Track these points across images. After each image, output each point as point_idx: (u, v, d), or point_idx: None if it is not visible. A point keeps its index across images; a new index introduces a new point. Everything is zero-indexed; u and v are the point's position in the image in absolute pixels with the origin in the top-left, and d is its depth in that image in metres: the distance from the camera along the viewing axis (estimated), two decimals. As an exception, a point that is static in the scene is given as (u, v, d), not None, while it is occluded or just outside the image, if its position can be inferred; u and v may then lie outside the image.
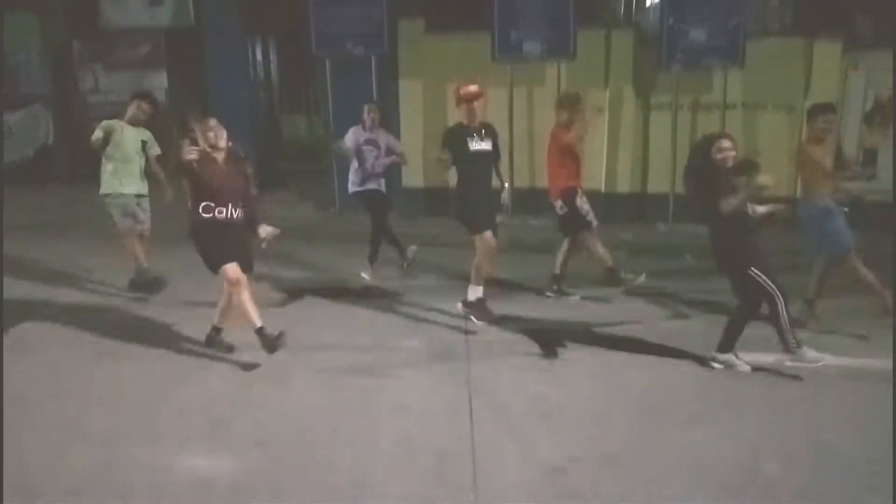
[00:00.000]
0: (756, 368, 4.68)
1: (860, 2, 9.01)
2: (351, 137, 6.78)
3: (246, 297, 4.73)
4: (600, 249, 6.28)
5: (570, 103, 6.21)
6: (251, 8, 11.37)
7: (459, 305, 5.64)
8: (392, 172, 8.32)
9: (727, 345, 4.73)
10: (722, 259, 4.72)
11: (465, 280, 5.72)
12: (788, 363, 4.63)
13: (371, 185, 6.79)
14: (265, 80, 12.96)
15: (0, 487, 3.22)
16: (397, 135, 8.80)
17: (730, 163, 4.52)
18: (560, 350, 5.15)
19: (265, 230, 4.89)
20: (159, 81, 12.09)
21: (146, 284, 6.29)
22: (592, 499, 3.31)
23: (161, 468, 3.54)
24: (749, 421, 4.04)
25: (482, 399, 4.30)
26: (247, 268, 4.81)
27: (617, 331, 5.53)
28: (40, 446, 3.75)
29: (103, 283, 6.56)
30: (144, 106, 6.18)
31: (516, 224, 8.08)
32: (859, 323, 5.38)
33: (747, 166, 4.69)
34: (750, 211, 4.61)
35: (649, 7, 10.74)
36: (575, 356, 5.04)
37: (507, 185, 5.94)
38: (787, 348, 4.58)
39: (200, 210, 4.66)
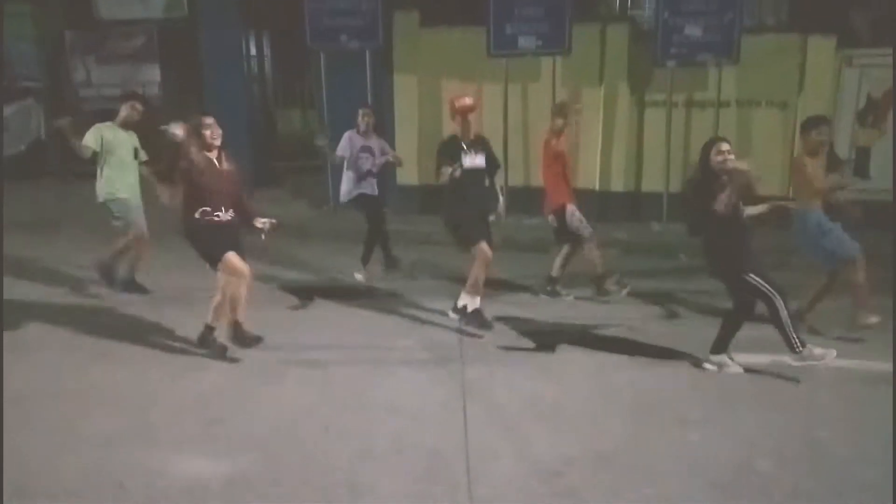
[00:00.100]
0: (749, 370, 4.70)
1: (855, -3, 9.03)
2: (346, 145, 6.76)
3: (244, 291, 4.74)
4: (595, 257, 6.30)
5: (565, 111, 6.28)
6: (246, 1, 11.30)
7: (451, 314, 5.62)
8: (386, 170, 8.32)
9: (721, 346, 4.75)
10: (717, 264, 4.72)
11: (459, 280, 5.72)
12: (793, 363, 4.60)
13: (364, 189, 6.79)
14: (259, 74, 12.91)
15: (0, 488, 3.22)
16: (392, 129, 8.81)
17: (729, 165, 4.52)
18: (555, 350, 5.16)
19: (261, 221, 4.92)
20: (152, 75, 12.04)
21: (135, 283, 6.29)
22: (588, 499, 3.32)
23: (156, 468, 3.53)
24: (744, 421, 4.06)
25: (477, 399, 4.31)
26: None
27: (611, 331, 5.54)
28: (36, 447, 3.74)
29: (97, 282, 6.53)
30: (138, 106, 6.14)
31: (511, 223, 8.07)
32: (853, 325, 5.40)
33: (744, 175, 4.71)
34: (743, 213, 4.61)
35: (644, 2, 10.72)
36: (569, 356, 5.05)
37: (501, 198, 5.94)
38: (791, 348, 4.57)
39: (197, 214, 4.66)
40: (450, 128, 5.73)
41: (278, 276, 6.84)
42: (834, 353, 4.59)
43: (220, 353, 4.87)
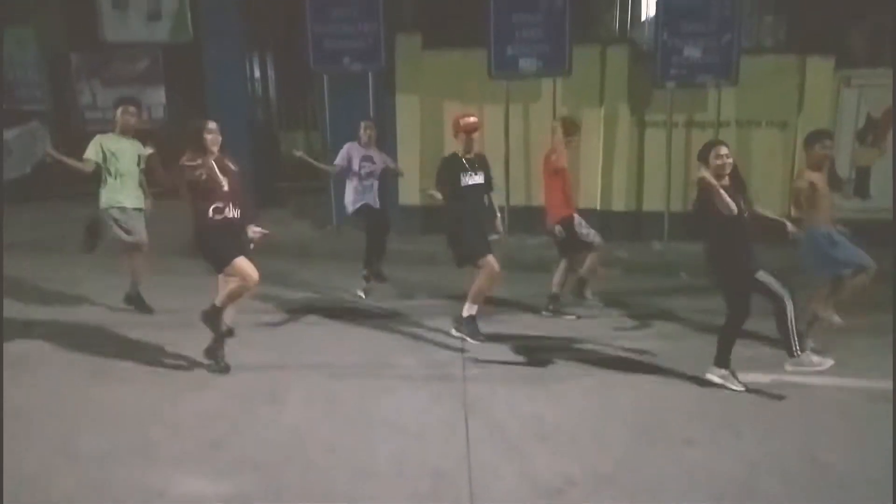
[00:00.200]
0: (750, 389, 4.68)
1: (853, 19, 9.10)
2: (344, 154, 6.83)
3: (246, 292, 4.80)
4: (594, 265, 6.31)
5: (570, 129, 6.27)
6: (250, 23, 11.44)
7: (453, 332, 5.65)
8: (389, 190, 8.37)
9: (723, 359, 4.75)
10: (722, 267, 4.73)
11: (461, 300, 5.72)
12: (789, 368, 4.62)
13: (367, 200, 6.84)
14: (263, 96, 13.01)
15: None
16: (394, 150, 8.85)
17: (727, 169, 4.58)
18: (556, 369, 5.16)
19: (252, 230, 5.02)
20: (157, 97, 12.16)
21: (140, 299, 6.32)
22: (588, 520, 3.32)
23: (155, 487, 3.53)
24: (745, 439, 4.05)
25: (478, 418, 4.31)
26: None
27: (613, 350, 5.54)
28: (36, 464, 3.75)
29: (100, 301, 6.56)
30: (132, 110, 6.17)
31: (513, 243, 8.10)
32: (858, 343, 5.39)
33: (739, 181, 4.76)
34: (745, 214, 4.63)
35: (644, 23, 10.82)
36: (571, 375, 5.05)
37: (499, 215, 6.01)
38: (789, 352, 4.57)
39: (210, 212, 4.74)
40: (452, 149, 5.78)
41: (281, 296, 6.86)
42: (831, 362, 4.59)
43: (223, 369, 4.90)
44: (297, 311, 6.46)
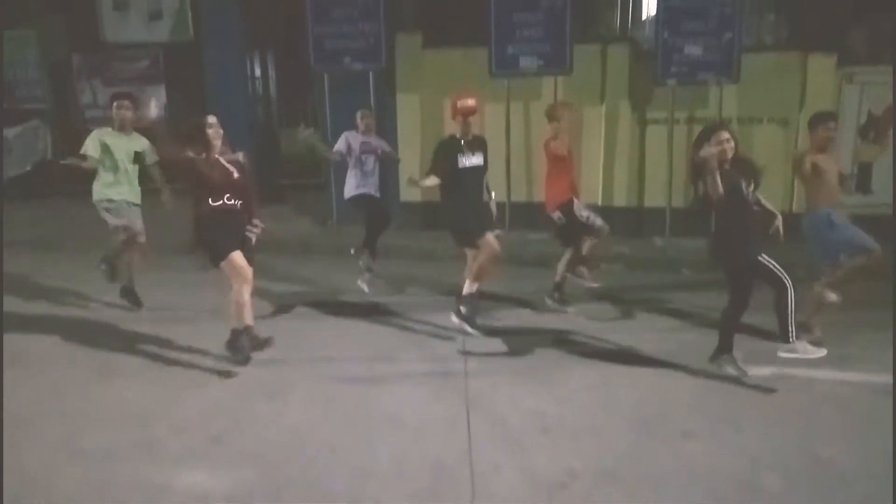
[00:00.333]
0: (752, 382, 4.67)
1: (855, 16, 9.08)
2: (343, 142, 6.83)
3: (247, 296, 4.79)
4: (595, 249, 6.32)
5: (556, 112, 6.22)
6: (250, 23, 11.44)
7: (454, 318, 5.64)
8: (390, 186, 8.36)
9: (725, 345, 4.74)
10: (723, 248, 4.71)
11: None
12: (782, 354, 4.63)
13: (367, 190, 6.83)
14: (264, 95, 13.01)
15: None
16: (395, 148, 8.83)
17: (728, 154, 4.51)
18: (557, 363, 5.15)
19: (251, 228, 5.03)
20: (158, 96, 12.17)
21: (133, 293, 6.32)
22: (590, 513, 3.31)
23: (158, 484, 3.53)
24: (746, 434, 4.05)
25: (480, 413, 4.31)
26: (248, 261, 4.88)
27: (614, 344, 5.53)
28: (38, 461, 3.75)
29: (101, 298, 6.56)
30: (127, 104, 6.16)
31: (514, 238, 8.09)
32: (859, 337, 5.39)
33: (747, 168, 4.70)
34: (751, 197, 4.60)
35: (645, 21, 10.81)
36: (572, 369, 5.04)
37: (493, 196, 5.96)
38: (784, 337, 4.58)
39: (208, 199, 4.75)
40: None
41: (281, 292, 6.85)
42: (824, 351, 4.61)
43: (244, 361, 4.91)
44: (297, 307, 6.45)
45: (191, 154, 4.76)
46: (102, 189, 6.11)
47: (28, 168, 11.96)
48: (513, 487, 3.52)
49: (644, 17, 10.67)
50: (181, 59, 11.69)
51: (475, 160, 5.61)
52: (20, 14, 11.75)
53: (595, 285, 6.47)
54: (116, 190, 6.10)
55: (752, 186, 4.60)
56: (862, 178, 8.76)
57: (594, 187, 9.13)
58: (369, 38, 9.29)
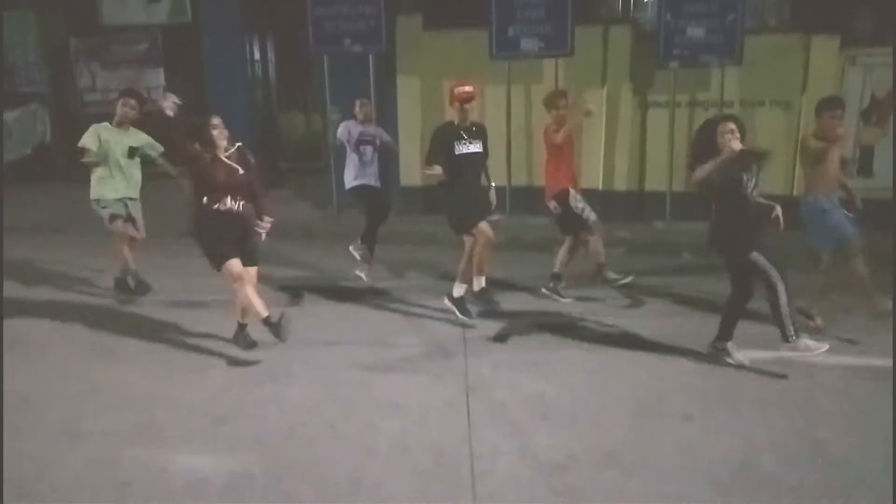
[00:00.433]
0: (752, 367, 4.68)
1: (858, -2, 9.01)
2: (344, 131, 6.82)
3: (250, 291, 4.77)
4: (599, 246, 6.28)
5: (554, 101, 6.15)
6: (249, 5, 11.35)
7: (445, 300, 5.67)
8: (390, 171, 8.33)
9: (725, 334, 4.75)
10: (721, 243, 4.70)
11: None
12: (785, 353, 4.62)
13: (367, 181, 6.81)
14: (263, 77, 12.95)
15: (0, 488, 3.23)
16: (395, 131, 8.81)
17: (735, 146, 4.40)
18: (557, 348, 5.16)
19: (261, 225, 4.96)
20: (156, 79, 12.09)
21: (129, 286, 6.28)
22: (591, 496, 3.32)
23: (160, 466, 3.55)
24: (746, 418, 4.06)
25: (480, 397, 4.32)
26: (250, 261, 4.87)
27: (614, 329, 5.54)
28: (40, 445, 3.76)
29: (101, 283, 6.57)
30: (133, 103, 6.11)
31: (515, 223, 8.08)
32: (855, 322, 5.37)
33: (754, 156, 4.65)
34: (752, 192, 4.56)
35: (647, 3, 10.73)
36: (572, 354, 5.05)
37: (493, 184, 5.94)
38: (784, 337, 4.55)
39: (206, 201, 4.70)
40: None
41: (282, 277, 6.85)
42: (826, 346, 4.58)
43: (249, 345, 4.98)
44: (298, 292, 6.45)
45: (192, 153, 4.70)
46: (98, 187, 6.07)
47: (28, 152, 11.94)
48: (513, 470, 3.53)
49: (646, -2, 10.60)
50: (180, 41, 11.63)
51: (473, 147, 5.57)
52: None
53: (626, 280, 6.31)
54: (112, 187, 6.05)
55: (754, 180, 4.56)
56: (864, 162, 8.72)
57: (595, 171, 9.10)
58: (369, 21, 9.22)
